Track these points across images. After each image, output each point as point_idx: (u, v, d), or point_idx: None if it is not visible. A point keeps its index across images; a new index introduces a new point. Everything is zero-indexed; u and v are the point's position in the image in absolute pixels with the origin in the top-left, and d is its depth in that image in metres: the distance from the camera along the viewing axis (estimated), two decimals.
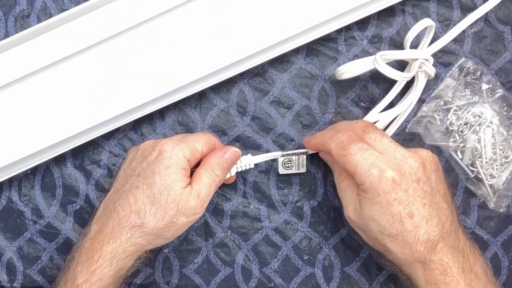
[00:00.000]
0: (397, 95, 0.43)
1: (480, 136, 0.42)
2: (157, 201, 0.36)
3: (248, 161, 0.41)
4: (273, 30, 0.41)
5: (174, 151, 0.37)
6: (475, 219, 0.43)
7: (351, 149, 0.35)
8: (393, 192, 0.34)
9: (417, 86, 0.41)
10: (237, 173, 0.42)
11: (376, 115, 0.42)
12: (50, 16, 0.44)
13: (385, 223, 0.35)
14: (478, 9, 0.42)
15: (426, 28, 0.39)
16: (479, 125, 0.42)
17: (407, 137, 0.43)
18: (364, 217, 0.36)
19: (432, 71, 0.41)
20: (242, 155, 0.41)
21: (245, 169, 0.42)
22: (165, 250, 0.44)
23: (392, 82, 0.43)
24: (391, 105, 0.43)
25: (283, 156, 0.42)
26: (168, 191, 0.36)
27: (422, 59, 0.40)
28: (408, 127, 0.43)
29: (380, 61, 0.38)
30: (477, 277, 0.35)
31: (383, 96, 0.43)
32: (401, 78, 0.39)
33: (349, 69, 0.40)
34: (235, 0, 0.41)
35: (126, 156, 0.42)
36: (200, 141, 0.39)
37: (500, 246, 0.43)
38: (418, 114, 0.43)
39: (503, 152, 0.42)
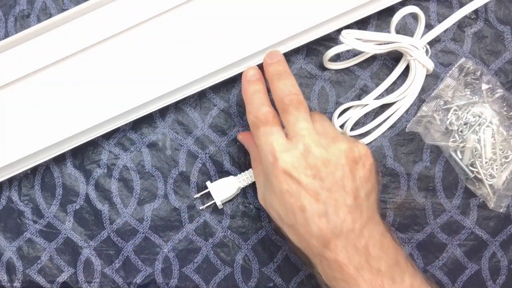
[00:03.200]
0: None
1: (480, 136, 0.42)
2: None
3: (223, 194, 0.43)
4: (273, 30, 0.41)
5: None
6: (474, 219, 0.43)
7: (259, 132, 0.35)
8: (285, 183, 0.33)
9: (410, 74, 0.42)
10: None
11: (371, 100, 0.42)
12: (50, 16, 0.43)
13: (281, 212, 0.35)
14: (474, 1, 0.42)
15: (419, 20, 0.40)
16: (479, 125, 0.42)
17: (407, 137, 0.43)
18: (267, 205, 0.36)
19: (426, 62, 0.41)
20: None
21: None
22: (165, 250, 0.44)
23: (393, 83, 0.43)
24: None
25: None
26: None
27: (407, 44, 0.40)
28: (408, 126, 0.43)
29: (346, 35, 0.38)
30: (379, 272, 0.33)
31: (383, 96, 0.43)
32: (371, 50, 0.39)
33: (336, 51, 0.41)
34: (235, 0, 0.41)
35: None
36: None
37: (498, 246, 0.43)
38: (418, 114, 0.43)
39: (503, 152, 0.42)
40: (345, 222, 0.33)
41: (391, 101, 0.42)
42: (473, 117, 0.42)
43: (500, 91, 0.42)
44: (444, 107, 0.42)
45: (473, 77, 0.42)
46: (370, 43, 0.40)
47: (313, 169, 0.33)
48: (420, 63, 0.41)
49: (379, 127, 0.43)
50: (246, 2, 0.41)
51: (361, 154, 0.35)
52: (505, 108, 0.42)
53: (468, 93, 0.42)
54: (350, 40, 0.39)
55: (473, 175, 0.42)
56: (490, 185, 0.42)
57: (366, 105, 0.42)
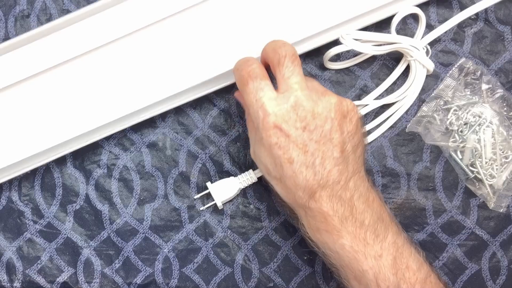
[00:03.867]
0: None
1: (480, 136, 0.42)
2: None
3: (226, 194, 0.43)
4: (275, 36, 0.41)
5: None
6: (475, 219, 0.43)
7: (248, 88, 0.35)
8: (274, 136, 0.34)
9: (411, 74, 0.42)
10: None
11: (371, 100, 0.42)
12: (50, 16, 0.43)
13: (269, 165, 0.35)
14: (476, 4, 0.42)
15: (420, 21, 0.40)
16: (479, 125, 0.42)
17: (407, 137, 0.43)
18: (256, 158, 0.37)
19: (426, 62, 0.41)
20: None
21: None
22: (165, 250, 0.44)
23: (393, 83, 0.43)
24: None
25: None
26: None
27: (407, 45, 0.40)
28: (408, 126, 0.43)
29: (345, 36, 0.38)
30: (362, 225, 0.34)
31: (383, 96, 0.43)
32: (371, 51, 0.39)
33: (336, 51, 0.41)
34: (237, 5, 0.41)
35: None
36: None
37: (498, 246, 0.43)
38: (418, 114, 0.43)
39: (503, 152, 0.42)
40: (331, 174, 0.34)
41: (391, 101, 0.42)
42: (473, 117, 0.42)
43: (500, 91, 0.42)
44: (444, 107, 0.43)
45: (473, 77, 0.42)
46: (370, 43, 0.40)
47: (303, 122, 0.34)
48: (421, 63, 0.41)
49: (379, 127, 0.43)
50: (249, 7, 0.41)
51: (349, 109, 0.35)
52: (505, 108, 0.42)
53: (468, 93, 0.42)
54: (349, 41, 0.39)
55: (473, 175, 0.42)
56: (490, 185, 0.42)
57: (366, 105, 0.42)
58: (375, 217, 0.35)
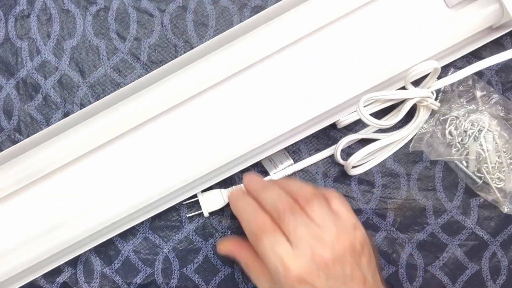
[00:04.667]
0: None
1: (481, 142, 0.42)
2: None
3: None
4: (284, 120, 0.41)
5: None
6: (475, 219, 0.43)
7: (263, 242, 0.35)
8: None
9: (417, 119, 0.42)
10: None
11: (369, 134, 0.42)
12: (50, 16, 0.43)
13: None
14: (491, 58, 0.40)
15: (433, 72, 0.39)
16: (479, 131, 0.42)
17: (409, 153, 0.43)
18: None
19: (434, 106, 0.41)
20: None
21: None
22: (165, 250, 0.44)
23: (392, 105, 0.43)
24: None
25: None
26: None
27: (418, 97, 0.40)
28: (410, 146, 0.43)
29: (362, 108, 0.38)
30: None
31: (380, 113, 0.42)
32: (385, 124, 0.39)
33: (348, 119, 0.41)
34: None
35: None
36: None
37: (499, 246, 0.43)
38: (419, 132, 0.43)
39: (507, 154, 0.42)
40: None
41: (399, 138, 0.42)
42: (472, 124, 0.42)
43: (495, 96, 0.42)
44: (442, 118, 0.43)
45: (465, 85, 0.42)
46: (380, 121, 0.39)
47: (325, 270, 0.34)
48: (429, 107, 0.41)
49: (379, 156, 0.43)
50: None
51: (361, 244, 0.36)
52: (502, 113, 0.42)
53: (464, 102, 0.42)
54: (367, 116, 0.38)
55: (481, 181, 0.42)
56: (500, 189, 0.42)
57: (375, 140, 0.42)
58: None
